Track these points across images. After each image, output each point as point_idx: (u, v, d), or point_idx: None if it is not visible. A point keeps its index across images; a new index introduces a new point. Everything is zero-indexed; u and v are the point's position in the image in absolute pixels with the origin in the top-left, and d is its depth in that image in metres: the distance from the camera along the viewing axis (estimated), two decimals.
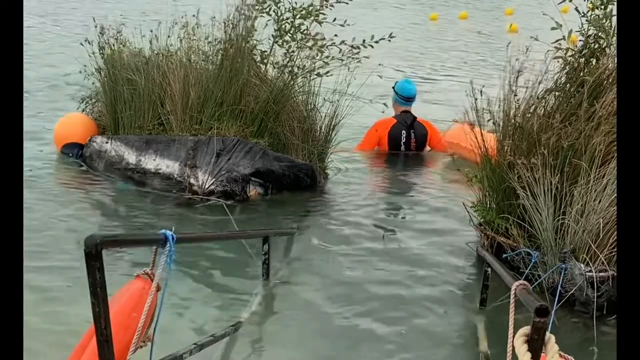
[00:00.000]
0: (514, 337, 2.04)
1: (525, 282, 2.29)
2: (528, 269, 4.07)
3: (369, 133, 7.18)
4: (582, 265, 3.81)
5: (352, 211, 5.31)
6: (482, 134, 4.48)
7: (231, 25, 5.47)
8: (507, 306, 3.79)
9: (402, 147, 7.15)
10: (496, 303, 3.87)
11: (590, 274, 3.76)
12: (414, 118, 7.20)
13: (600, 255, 3.78)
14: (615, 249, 3.78)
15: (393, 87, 7.25)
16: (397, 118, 7.16)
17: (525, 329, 1.82)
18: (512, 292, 2.24)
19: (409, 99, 7.22)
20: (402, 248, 4.67)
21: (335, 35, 5.84)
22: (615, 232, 3.76)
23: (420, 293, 4.10)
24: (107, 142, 5.76)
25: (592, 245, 3.80)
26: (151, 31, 5.84)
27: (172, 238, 2.42)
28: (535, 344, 1.78)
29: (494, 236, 4.36)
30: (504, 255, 4.20)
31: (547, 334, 1.80)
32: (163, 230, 2.42)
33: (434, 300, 4.04)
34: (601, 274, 3.77)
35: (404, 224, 5.11)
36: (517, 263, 4.17)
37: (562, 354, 2.40)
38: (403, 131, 7.11)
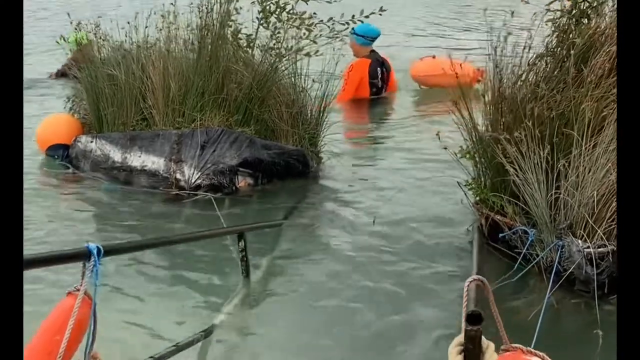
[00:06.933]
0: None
1: (481, 278, 2.05)
2: (525, 247, 3.84)
3: (351, 77, 7.64)
4: (579, 241, 3.56)
5: (345, 197, 5.09)
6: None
7: (206, 11, 5.26)
8: (501, 292, 3.63)
9: (379, 83, 7.86)
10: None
11: (589, 250, 3.51)
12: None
13: (598, 230, 3.52)
14: (614, 222, 3.53)
15: (353, 33, 7.38)
16: (371, 57, 7.81)
17: (461, 338, 1.60)
18: (465, 288, 2.00)
19: (375, 39, 7.87)
20: (395, 235, 4.42)
21: (331, 18, 5.64)
22: (612, 205, 3.50)
23: (411, 284, 3.88)
24: (91, 142, 5.61)
25: (589, 220, 3.54)
26: (128, 23, 5.65)
27: (99, 251, 2.24)
28: (471, 354, 1.56)
29: (489, 214, 4.12)
30: (501, 235, 3.98)
31: (486, 341, 1.58)
32: (87, 244, 2.23)
33: (425, 290, 3.82)
34: (600, 249, 3.51)
35: (398, 207, 4.84)
36: (515, 242, 3.94)
37: (532, 350, 2.18)
38: (378, 68, 7.85)
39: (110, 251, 2.28)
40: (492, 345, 1.60)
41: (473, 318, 1.55)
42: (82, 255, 2.21)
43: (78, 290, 2.34)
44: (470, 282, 2.02)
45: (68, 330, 2.13)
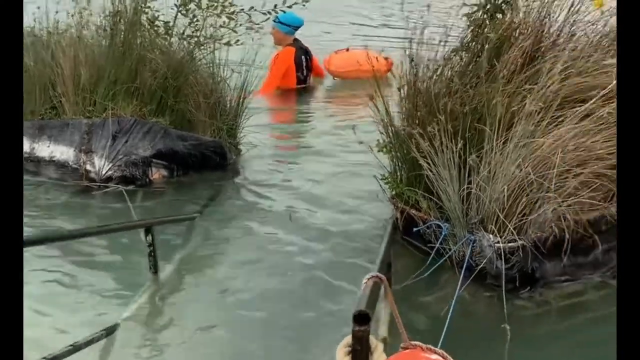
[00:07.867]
0: None
1: (379, 276, 2.00)
2: (438, 242, 3.83)
3: (277, 66, 7.58)
4: (490, 235, 3.57)
5: (263, 191, 4.97)
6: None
7: None
8: (414, 288, 3.61)
9: (304, 71, 7.85)
10: (403, 284, 3.61)
11: (499, 244, 3.52)
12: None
13: (509, 225, 3.53)
14: (524, 217, 3.55)
15: (277, 21, 7.29)
16: (294, 46, 7.77)
17: (349, 338, 1.53)
18: (362, 285, 1.95)
19: (298, 27, 7.79)
20: (311, 230, 4.35)
21: (252, 7, 5.51)
22: (523, 200, 3.53)
23: (324, 280, 3.81)
24: None
25: (500, 215, 3.55)
26: (38, 8, 5.39)
27: None
28: (359, 354, 1.50)
29: (404, 208, 4.09)
30: (415, 229, 3.96)
31: (374, 341, 1.52)
32: None
33: (338, 286, 3.76)
34: (510, 244, 3.53)
35: (315, 201, 4.77)
36: (429, 237, 3.92)
37: (432, 347, 2.15)
38: (302, 56, 7.80)
39: None
40: (380, 345, 1.54)
41: (360, 318, 1.49)
42: None
43: None
44: (368, 279, 1.96)
45: None
